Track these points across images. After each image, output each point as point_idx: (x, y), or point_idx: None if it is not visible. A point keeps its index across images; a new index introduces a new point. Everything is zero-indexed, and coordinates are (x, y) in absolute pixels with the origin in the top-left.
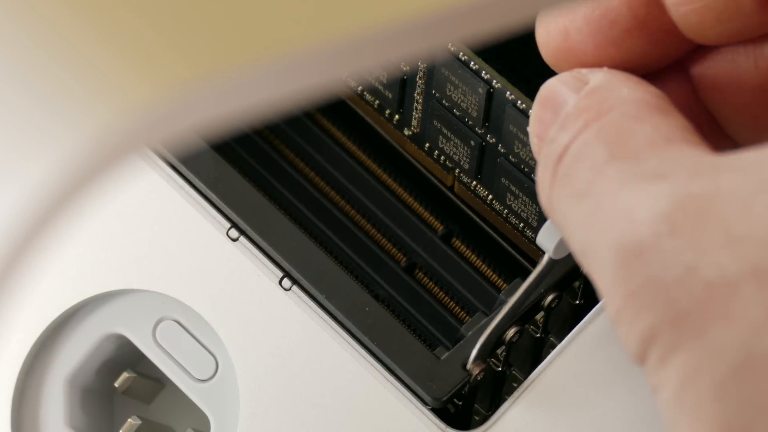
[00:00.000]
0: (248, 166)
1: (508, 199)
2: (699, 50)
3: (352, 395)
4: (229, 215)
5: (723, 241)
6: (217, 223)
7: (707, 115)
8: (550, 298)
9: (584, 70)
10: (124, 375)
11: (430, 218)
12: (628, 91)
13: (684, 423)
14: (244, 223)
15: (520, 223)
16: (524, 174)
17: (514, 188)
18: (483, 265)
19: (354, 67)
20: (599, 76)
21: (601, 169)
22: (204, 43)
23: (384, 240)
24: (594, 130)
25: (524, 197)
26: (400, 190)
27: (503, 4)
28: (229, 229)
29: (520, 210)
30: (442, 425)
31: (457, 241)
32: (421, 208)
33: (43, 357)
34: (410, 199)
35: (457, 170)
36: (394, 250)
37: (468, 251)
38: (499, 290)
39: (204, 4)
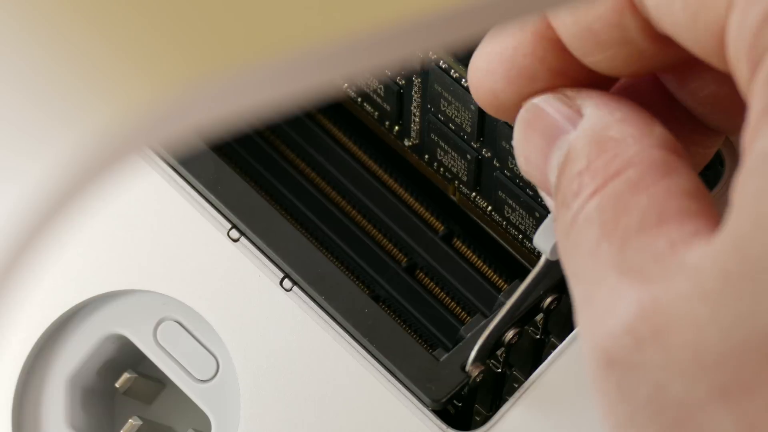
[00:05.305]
0: (249, 166)
1: (506, 211)
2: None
3: (353, 396)
4: (228, 217)
5: (683, 358)
6: (218, 224)
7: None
8: (549, 299)
9: (569, 92)
10: (125, 375)
11: (431, 219)
12: (635, 147)
13: None
14: (244, 224)
15: (519, 235)
16: (519, 188)
17: (510, 201)
18: (484, 266)
19: (358, 66)
20: (594, 112)
21: (593, 252)
22: (205, 44)
23: (385, 240)
24: (596, 201)
25: (520, 210)
26: (401, 191)
27: (497, 8)
28: (230, 229)
29: (517, 222)
30: (443, 426)
31: (457, 242)
32: (422, 209)
33: (44, 357)
34: (411, 199)
35: (456, 182)
36: (395, 250)
37: (469, 252)
38: (499, 290)
39: (205, 4)
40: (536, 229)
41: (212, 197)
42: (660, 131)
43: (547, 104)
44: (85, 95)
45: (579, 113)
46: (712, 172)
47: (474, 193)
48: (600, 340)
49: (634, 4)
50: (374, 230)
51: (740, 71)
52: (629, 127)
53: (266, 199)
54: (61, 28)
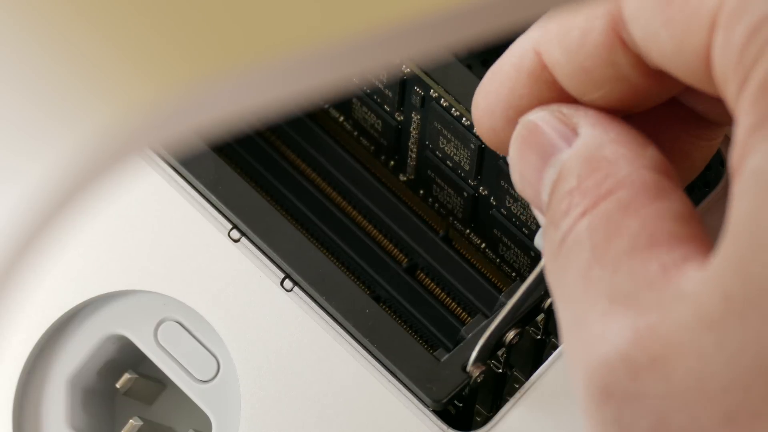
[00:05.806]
0: (250, 167)
1: (500, 249)
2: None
3: (353, 396)
4: (229, 217)
5: (687, 387)
6: (219, 224)
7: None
8: (550, 300)
9: (565, 109)
10: (126, 376)
11: (432, 219)
12: (627, 168)
13: None
14: (245, 225)
15: (512, 273)
16: (515, 227)
17: (506, 239)
18: (484, 266)
19: (359, 67)
20: (588, 132)
21: (583, 276)
22: (206, 44)
23: (385, 241)
24: (587, 222)
25: (515, 249)
26: (401, 191)
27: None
28: (231, 230)
29: (512, 260)
30: (444, 426)
31: (458, 243)
32: (422, 209)
33: (45, 357)
34: (411, 199)
35: (450, 218)
36: (395, 250)
37: (469, 252)
38: (500, 291)
39: (206, 4)
40: (531, 268)
41: (213, 198)
42: (653, 153)
43: (543, 121)
44: (86, 95)
45: (575, 131)
46: (713, 172)
47: (468, 230)
48: (593, 367)
49: (624, 40)
50: (375, 230)
51: (729, 90)
52: (622, 148)
53: (267, 200)
54: (61, 28)
